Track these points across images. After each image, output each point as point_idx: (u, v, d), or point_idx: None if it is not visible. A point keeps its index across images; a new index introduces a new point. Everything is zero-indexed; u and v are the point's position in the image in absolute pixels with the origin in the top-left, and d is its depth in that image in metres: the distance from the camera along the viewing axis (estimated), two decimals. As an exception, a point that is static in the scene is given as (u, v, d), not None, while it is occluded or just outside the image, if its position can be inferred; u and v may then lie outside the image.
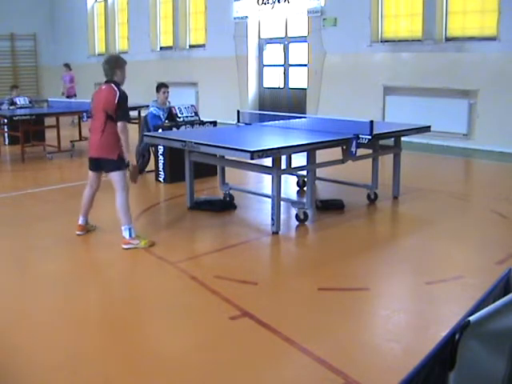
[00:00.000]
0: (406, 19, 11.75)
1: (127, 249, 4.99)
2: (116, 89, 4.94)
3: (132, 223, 5.09)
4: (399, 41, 11.80)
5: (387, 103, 11.81)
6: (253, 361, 3.24)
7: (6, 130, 11.27)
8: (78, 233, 5.43)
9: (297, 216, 5.84)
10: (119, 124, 4.92)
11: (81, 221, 5.45)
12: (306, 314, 3.84)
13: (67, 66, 15.87)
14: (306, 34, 13.36)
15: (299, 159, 6.65)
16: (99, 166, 5.16)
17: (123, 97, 4.95)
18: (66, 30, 20.58)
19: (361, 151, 6.13)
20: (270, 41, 14.60)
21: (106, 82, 5.05)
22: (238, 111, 7.37)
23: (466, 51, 10.62)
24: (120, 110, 4.92)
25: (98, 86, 5.21)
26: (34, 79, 20.83)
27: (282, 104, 14.03)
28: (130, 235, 5.03)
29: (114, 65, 5.02)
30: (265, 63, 14.83)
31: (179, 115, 7.92)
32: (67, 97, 15.03)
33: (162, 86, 8.37)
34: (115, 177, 5.03)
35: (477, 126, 10.53)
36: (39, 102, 14.48)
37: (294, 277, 4.55)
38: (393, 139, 6.88)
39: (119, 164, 5.02)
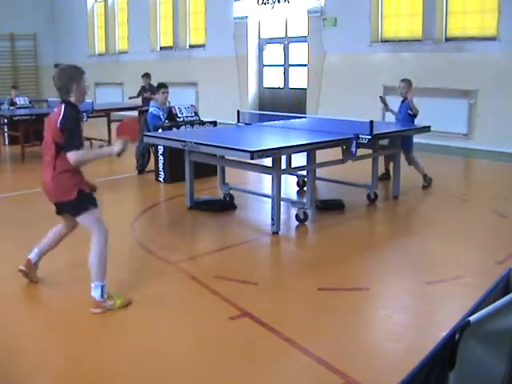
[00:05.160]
0: (406, 19, 11.75)
1: (96, 313, 3.80)
2: (62, 110, 3.75)
3: (105, 280, 3.87)
4: (399, 41, 11.80)
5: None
6: (253, 361, 3.24)
7: (5, 130, 11.26)
8: (20, 268, 4.23)
9: (297, 216, 5.84)
10: (68, 156, 3.70)
11: (34, 256, 4.25)
12: (306, 314, 3.84)
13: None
14: (306, 34, 13.36)
15: (299, 159, 6.65)
16: (62, 209, 4.05)
17: (68, 118, 3.72)
18: (66, 30, 20.57)
19: (361, 151, 6.13)
20: (270, 41, 14.60)
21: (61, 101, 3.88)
22: (238, 111, 7.37)
23: (466, 51, 10.62)
24: (64, 136, 3.70)
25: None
26: (34, 79, 20.82)
27: (282, 104, 14.03)
28: (102, 296, 3.84)
29: (67, 79, 3.82)
30: (265, 63, 14.83)
31: (179, 115, 7.92)
32: None
33: (161, 87, 8.37)
34: (84, 220, 3.91)
35: (477, 126, 10.53)
36: (39, 101, 14.47)
37: (294, 277, 4.55)
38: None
39: (83, 203, 3.85)
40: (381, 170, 7.18)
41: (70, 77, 3.83)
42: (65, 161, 3.73)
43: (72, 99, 3.82)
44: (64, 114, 3.72)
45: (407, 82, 7.41)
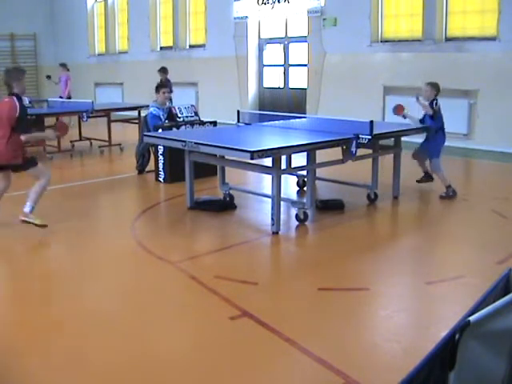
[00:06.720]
0: (406, 19, 11.75)
1: (23, 221, 5.37)
2: (17, 103, 5.20)
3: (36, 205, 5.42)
4: (399, 41, 11.80)
5: (387, 103, 11.79)
6: (253, 361, 3.24)
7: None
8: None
9: (297, 216, 5.84)
10: (21, 136, 5.24)
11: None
12: (306, 314, 3.84)
13: (64, 65, 14.93)
14: (306, 34, 13.35)
15: (299, 159, 6.65)
16: (6, 168, 5.46)
17: (22, 111, 5.26)
18: (66, 30, 20.56)
19: (361, 151, 6.13)
20: (270, 41, 14.59)
21: (8, 94, 5.28)
22: (238, 111, 7.37)
23: (466, 51, 10.62)
24: (20, 123, 5.23)
25: (2, 98, 5.41)
26: (34, 79, 20.80)
27: (282, 104, 14.02)
28: (31, 211, 5.37)
29: (13, 77, 5.26)
30: (265, 63, 14.83)
31: (179, 115, 7.92)
32: (60, 97, 14.42)
33: (161, 87, 8.36)
34: (33, 172, 5.44)
35: (477, 126, 10.53)
36: (39, 102, 14.46)
37: (294, 277, 4.55)
38: (393, 139, 6.88)
39: (28, 164, 5.37)
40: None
41: (13, 76, 5.28)
42: (15, 135, 5.21)
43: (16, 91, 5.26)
44: (20, 107, 5.22)
45: (431, 85, 7.07)
